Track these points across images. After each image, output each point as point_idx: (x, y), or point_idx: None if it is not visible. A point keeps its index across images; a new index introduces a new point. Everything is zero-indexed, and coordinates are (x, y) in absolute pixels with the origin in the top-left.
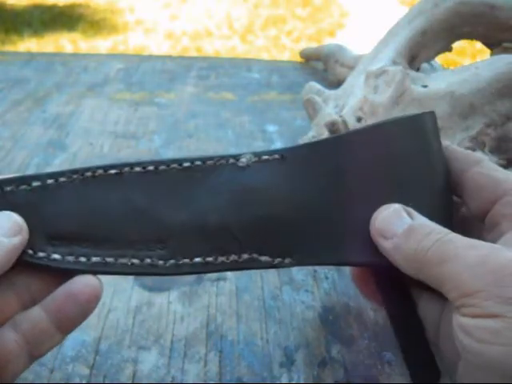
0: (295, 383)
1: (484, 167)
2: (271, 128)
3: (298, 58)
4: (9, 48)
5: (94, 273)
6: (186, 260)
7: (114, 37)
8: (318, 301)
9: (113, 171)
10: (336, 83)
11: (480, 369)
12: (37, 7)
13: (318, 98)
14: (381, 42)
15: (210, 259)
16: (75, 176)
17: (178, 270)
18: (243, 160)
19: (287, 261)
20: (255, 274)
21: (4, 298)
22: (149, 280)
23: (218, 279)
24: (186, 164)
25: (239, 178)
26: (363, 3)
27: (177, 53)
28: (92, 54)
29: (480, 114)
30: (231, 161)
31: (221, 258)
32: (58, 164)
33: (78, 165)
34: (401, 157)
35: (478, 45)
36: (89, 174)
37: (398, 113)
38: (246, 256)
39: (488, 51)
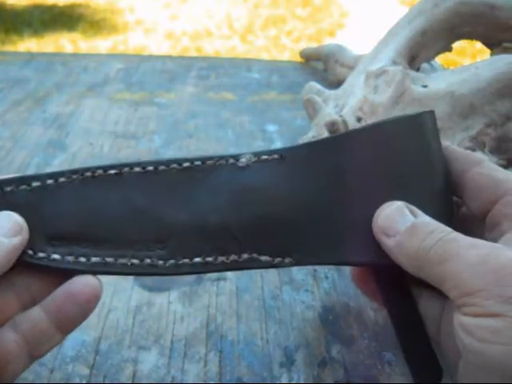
0: (295, 383)
1: (484, 167)
2: (271, 128)
3: (298, 58)
4: (9, 48)
5: (94, 273)
6: (186, 260)
7: (113, 37)
8: (317, 301)
9: (112, 171)
10: (336, 83)
11: (480, 368)
12: (37, 7)
13: (318, 98)
14: (381, 42)
15: (209, 259)
16: (75, 176)
17: (178, 270)
18: (243, 160)
19: (287, 260)
20: (255, 273)
21: (4, 298)
22: (149, 280)
23: (218, 279)
24: (186, 164)
25: (239, 177)
26: (363, 3)
27: (177, 53)
28: (92, 54)
29: (480, 114)
30: (231, 161)
31: (221, 258)
32: (58, 164)
33: (77, 165)
34: (400, 156)
35: (478, 45)
36: (88, 174)
37: (397, 113)
38: (245, 256)
39: (488, 51)
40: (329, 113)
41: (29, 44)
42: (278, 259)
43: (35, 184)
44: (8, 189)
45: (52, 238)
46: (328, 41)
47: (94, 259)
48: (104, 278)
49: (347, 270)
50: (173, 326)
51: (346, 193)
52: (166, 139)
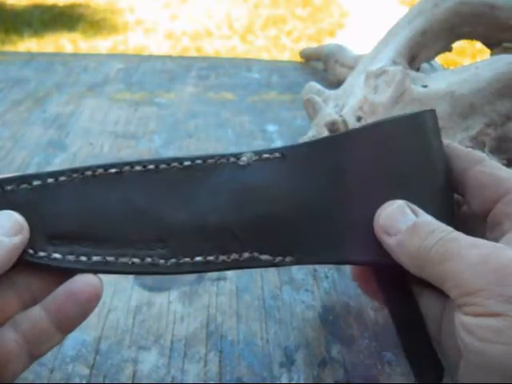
0: (295, 383)
1: (486, 166)
2: (271, 128)
3: (298, 58)
4: (9, 48)
5: (95, 272)
6: (187, 259)
7: (114, 37)
8: (318, 300)
9: (113, 170)
10: (336, 83)
11: (481, 368)
12: (37, 7)
13: (318, 98)
14: (381, 42)
15: (210, 258)
16: (75, 175)
17: (179, 269)
18: (244, 159)
19: (288, 259)
20: (255, 273)
21: (4, 298)
22: (149, 280)
23: (218, 279)
24: (187, 163)
25: (240, 176)
26: (363, 3)
27: (177, 53)
28: (92, 54)
29: (480, 114)
30: (232, 159)
31: (222, 257)
32: (58, 164)
33: (77, 165)
34: (401, 155)
35: (478, 45)
36: (89, 173)
37: (397, 113)
38: (246, 255)
39: (488, 51)
40: (329, 113)
41: (29, 44)
42: (278, 258)
43: (36, 183)
44: (9, 188)
45: (53, 237)
46: (328, 41)
47: (94, 258)
48: (104, 278)
49: (347, 269)
50: (173, 325)
51: (347, 192)
52: (166, 139)
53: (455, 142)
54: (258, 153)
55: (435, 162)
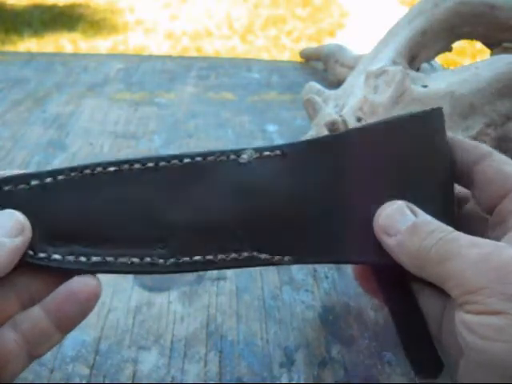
0: (295, 383)
1: (495, 160)
2: (271, 128)
3: (298, 58)
4: (9, 48)
5: (95, 272)
6: (186, 258)
7: (114, 37)
8: (317, 301)
9: (112, 168)
10: (336, 83)
11: (482, 366)
12: (37, 7)
13: (318, 98)
14: (381, 42)
15: (209, 257)
16: (74, 174)
17: (178, 269)
18: (244, 157)
19: (287, 258)
20: (255, 273)
21: (5, 299)
22: (149, 280)
23: (218, 279)
24: (187, 160)
25: (240, 175)
26: (363, 3)
27: (177, 53)
28: (92, 54)
29: (480, 114)
30: (232, 157)
31: (221, 256)
32: (58, 164)
33: None
34: (403, 155)
35: (478, 45)
36: (88, 171)
37: (397, 113)
38: (245, 254)
39: (488, 51)
40: (329, 113)
41: (29, 44)
42: (277, 257)
43: (34, 183)
44: (6, 188)
45: (52, 237)
46: (328, 41)
47: (94, 259)
48: (104, 278)
49: (347, 270)
50: (173, 325)
51: (347, 191)
52: (166, 139)
53: None
54: (259, 150)
55: (437, 163)
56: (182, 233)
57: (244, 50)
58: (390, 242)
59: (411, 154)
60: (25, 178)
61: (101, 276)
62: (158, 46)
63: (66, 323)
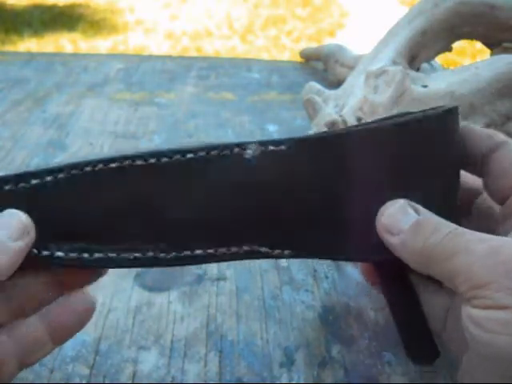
0: (295, 383)
1: (510, 150)
2: (271, 128)
3: (298, 58)
4: (9, 48)
5: (97, 267)
6: (188, 252)
7: (114, 37)
8: (317, 301)
9: (113, 165)
10: (336, 83)
11: (488, 359)
12: (37, 7)
13: (318, 98)
14: (381, 42)
15: (210, 251)
16: (74, 172)
17: (180, 262)
18: (249, 152)
19: (286, 252)
20: (255, 273)
21: (7, 301)
22: (149, 280)
23: (218, 279)
24: (190, 155)
25: (243, 170)
26: (363, 3)
27: (177, 53)
28: (92, 54)
29: (480, 114)
30: (236, 150)
31: (221, 250)
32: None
33: None
34: (412, 155)
35: (478, 45)
36: (88, 168)
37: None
38: (246, 248)
39: (488, 51)
40: (329, 113)
41: (29, 44)
42: (277, 251)
43: (34, 181)
44: (7, 188)
45: (54, 236)
46: (328, 41)
47: (96, 255)
48: (104, 278)
49: (347, 269)
50: (173, 325)
51: (351, 189)
52: (166, 139)
53: None
54: (264, 143)
55: (446, 163)
56: (184, 228)
57: (244, 50)
58: (393, 241)
59: (421, 154)
60: (24, 177)
61: (100, 276)
62: (158, 46)
63: (61, 334)
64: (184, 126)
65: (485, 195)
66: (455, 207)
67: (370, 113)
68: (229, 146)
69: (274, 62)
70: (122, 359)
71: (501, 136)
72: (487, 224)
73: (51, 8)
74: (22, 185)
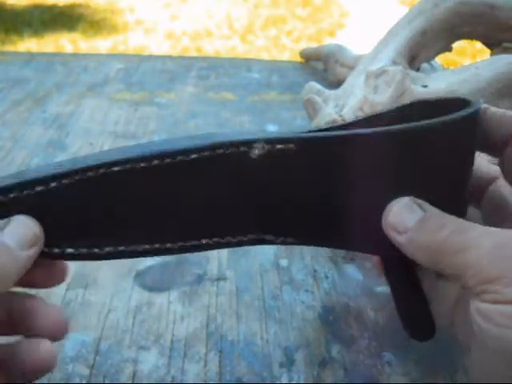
0: (295, 383)
1: None
2: (271, 128)
3: (298, 58)
4: (9, 48)
5: (107, 259)
6: (194, 242)
7: (114, 37)
8: (318, 301)
9: (116, 168)
10: (336, 83)
11: (497, 352)
12: (37, 7)
13: (318, 98)
14: (381, 42)
15: (216, 239)
16: (77, 177)
17: (187, 250)
18: (255, 151)
19: (290, 240)
20: (255, 274)
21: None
22: (149, 280)
23: (218, 279)
24: (194, 156)
25: (250, 168)
26: (363, 3)
27: (177, 53)
28: (92, 54)
29: None
30: (242, 149)
31: (228, 239)
32: None
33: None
34: (426, 157)
35: (478, 45)
36: (91, 174)
37: None
38: (251, 236)
39: (488, 51)
40: (329, 113)
41: (29, 44)
42: (281, 238)
43: (38, 188)
44: (11, 196)
45: (63, 237)
46: (328, 41)
47: (107, 249)
48: (104, 278)
49: (347, 270)
50: (173, 325)
51: (360, 185)
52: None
53: None
54: (271, 141)
55: (459, 164)
56: (189, 221)
57: (244, 50)
58: (400, 239)
59: (435, 157)
60: (28, 185)
61: (101, 276)
62: (158, 46)
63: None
64: (184, 125)
65: (498, 182)
66: (463, 200)
67: (370, 113)
68: (234, 143)
69: (274, 62)
70: (122, 359)
71: None
72: (498, 212)
73: (51, 8)
74: (26, 192)
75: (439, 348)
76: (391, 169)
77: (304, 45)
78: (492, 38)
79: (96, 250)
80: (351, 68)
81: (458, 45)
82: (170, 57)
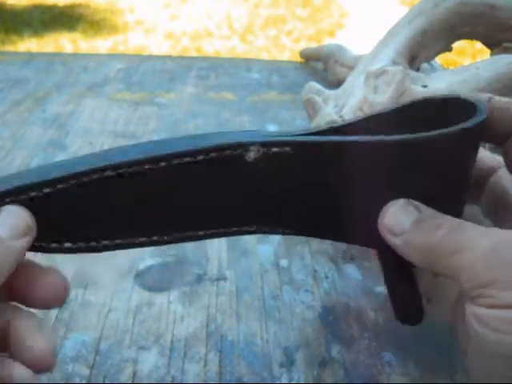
0: (295, 383)
1: None
2: (271, 128)
3: (298, 58)
4: (9, 48)
5: (106, 251)
6: (201, 232)
7: (114, 37)
8: (318, 301)
9: (120, 171)
10: (336, 83)
11: (494, 356)
12: (37, 7)
13: (318, 98)
14: (381, 42)
15: (222, 230)
16: (73, 182)
17: (188, 240)
18: (251, 155)
19: (288, 231)
20: (255, 273)
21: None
22: (149, 280)
23: (218, 279)
24: (187, 159)
25: (246, 170)
26: (363, 3)
27: (177, 53)
28: (92, 54)
29: None
30: (238, 151)
31: (233, 228)
32: None
33: None
34: (420, 168)
35: (478, 45)
36: (93, 177)
37: None
38: (254, 227)
39: (488, 51)
40: (329, 113)
41: (29, 44)
42: (280, 229)
43: (33, 194)
44: (8, 200)
45: (60, 235)
46: (328, 41)
47: (104, 242)
48: (104, 278)
49: (347, 269)
50: (173, 325)
51: (356, 188)
52: None
53: None
54: (266, 144)
55: (462, 167)
56: (191, 218)
57: (244, 50)
58: (396, 241)
59: (434, 165)
60: (23, 191)
61: (101, 276)
62: (158, 46)
63: None
64: (184, 126)
65: (499, 173)
66: (462, 200)
67: (370, 113)
68: (231, 146)
69: (274, 62)
70: (122, 359)
71: None
72: (499, 204)
73: (51, 8)
74: (22, 197)
75: (439, 348)
76: (388, 173)
77: (304, 45)
78: (492, 37)
79: (93, 244)
80: (351, 68)
81: (458, 45)
82: (170, 57)
